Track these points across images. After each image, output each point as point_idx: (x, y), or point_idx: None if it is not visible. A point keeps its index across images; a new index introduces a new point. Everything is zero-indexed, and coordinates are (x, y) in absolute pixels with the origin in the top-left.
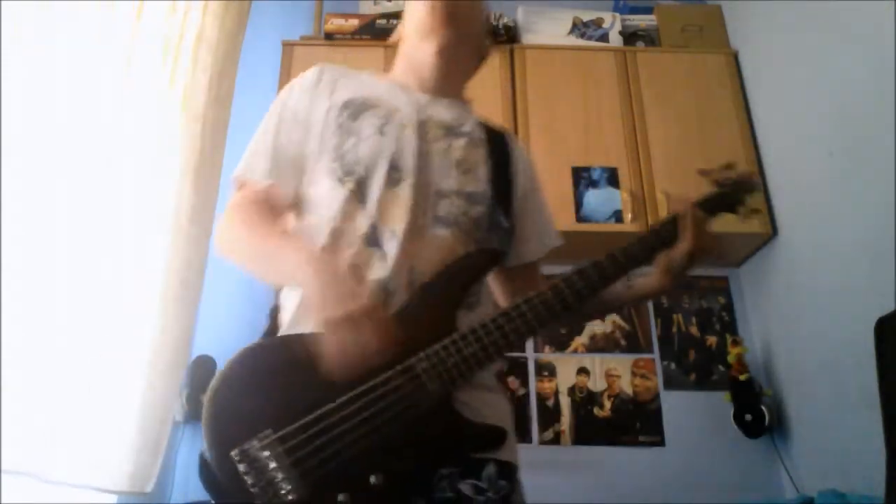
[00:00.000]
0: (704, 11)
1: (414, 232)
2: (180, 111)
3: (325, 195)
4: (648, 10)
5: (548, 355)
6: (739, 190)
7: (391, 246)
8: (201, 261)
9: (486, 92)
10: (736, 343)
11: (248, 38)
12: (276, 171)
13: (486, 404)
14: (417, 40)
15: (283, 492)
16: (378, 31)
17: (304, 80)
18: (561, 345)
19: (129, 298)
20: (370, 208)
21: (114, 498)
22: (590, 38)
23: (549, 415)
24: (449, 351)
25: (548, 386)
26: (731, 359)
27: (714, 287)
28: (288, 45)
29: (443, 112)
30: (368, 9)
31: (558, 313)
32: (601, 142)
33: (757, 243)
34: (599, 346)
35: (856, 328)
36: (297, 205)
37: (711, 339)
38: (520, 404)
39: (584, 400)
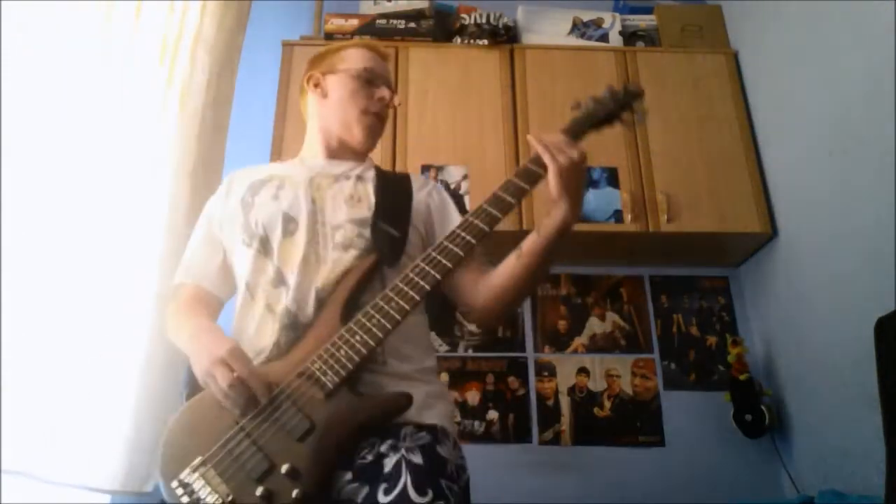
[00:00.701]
0: (704, 11)
1: (315, 263)
2: (179, 111)
3: (240, 260)
4: (648, 10)
5: (548, 355)
6: (612, 101)
7: (291, 279)
8: None
9: (487, 92)
10: (736, 343)
11: (248, 39)
12: (207, 258)
13: (401, 387)
14: (341, 112)
15: (209, 502)
16: (378, 31)
17: (218, 192)
18: (561, 345)
19: (126, 298)
20: (274, 258)
21: (108, 498)
22: (590, 38)
23: (549, 415)
24: (337, 345)
25: (548, 386)
26: (731, 359)
27: (714, 287)
28: (288, 45)
29: (334, 167)
30: (368, 9)
31: (435, 280)
32: (601, 142)
33: (757, 243)
34: (599, 346)
35: (856, 328)
36: (226, 279)
37: (711, 339)
38: (520, 404)
39: (584, 400)
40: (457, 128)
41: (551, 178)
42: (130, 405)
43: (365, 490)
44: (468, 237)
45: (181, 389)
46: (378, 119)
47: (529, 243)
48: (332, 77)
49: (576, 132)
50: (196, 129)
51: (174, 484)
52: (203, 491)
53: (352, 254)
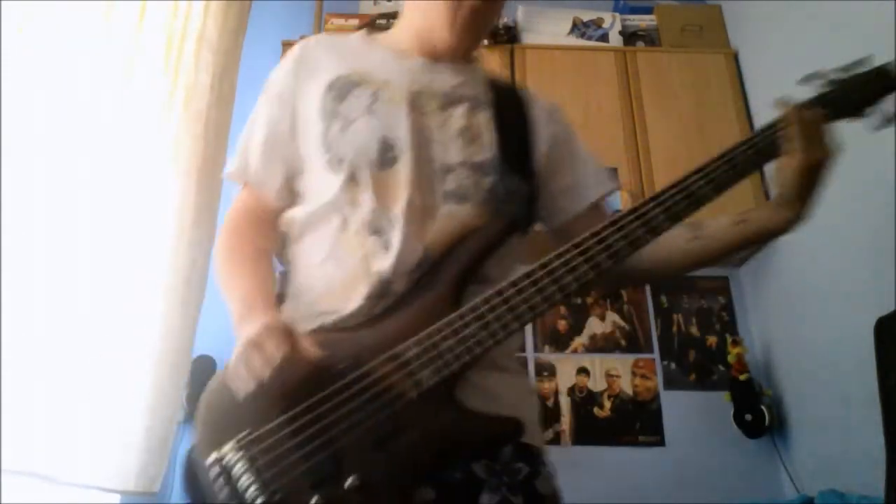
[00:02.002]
0: (704, 11)
1: (422, 213)
2: (183, 111)
3: (320, 186)
4: (648, 10)
5: (548, 355)
6: (873, 82)
7: (393, 233)
8: (205, 260)
9: None
10: (736, 343)
11: (249, 38)
12: (269, 167)
13: (500, 387)
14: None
15: (250, 495)
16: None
17: (286, 62)
18: (561, 345)
19: (132, 298)
20: (366, 194)
21: (118, 497)
22: (590, 38)
23: (549, 415)
24: (444, 333)
25: (548, 386)
26: (731, 359)
27: (714, 287)
28: (288, 45)
29: (442, 78)
30: (368, 9)
31: (586, 278)
32: (601, 142)
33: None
34: (599, 346)
35: (856, 328)
36: (294, 196)
37: (711, 339)
38: None
39: (584, 400)
40: None
41: (793, 172)
42: (140, 405)
43: None
44: (648, 223)
45: (181, 390)
46: (474, 12)
47: (719, 228)
48: None
49: (831, 108)
50: (200, 129)
51: (212, 457)
52: (244, 478)
53: (468, 208)
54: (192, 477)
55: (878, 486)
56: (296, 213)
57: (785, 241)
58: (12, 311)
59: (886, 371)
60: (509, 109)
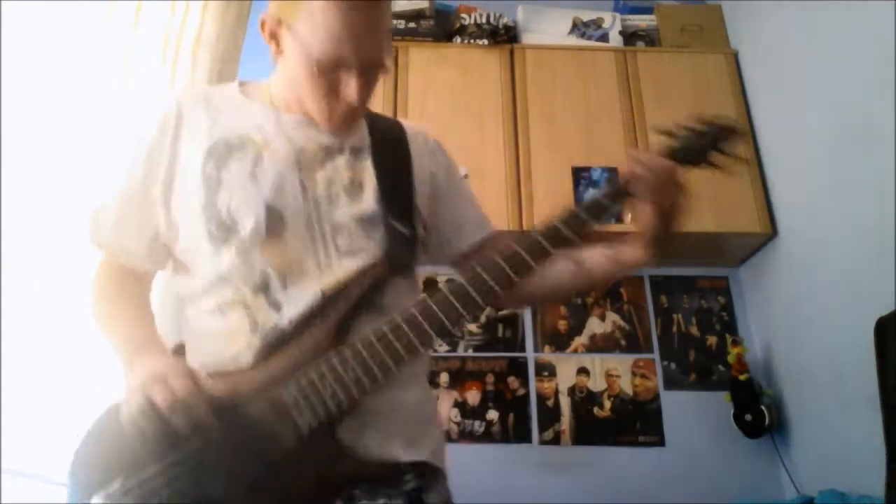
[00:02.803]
0: (704, 11)
1: (316, 273)
2: None
3: (204, 257)
4: (648, 10)
5: (548, 355)
6: (711, 134)
7: (285, 295)
8: None
9: (487, 92)
10: (736, 343)
11: (248, 38)
12: (129, 232)
13: (393, 414)
14: (301, 93)
15: None
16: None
17: (161, 118)
18: (561, 345)
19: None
20: (255, 259)
21: None
22: (590, 38)
23: (549, 415)
24: (323, 375)
25: (548, 386)
26: (731, 359)
27: (714, 287)
28: None
29: (322, 132)
30: None
31: (460, 321)
32: (601, 142)
33: (757, 243)
34: (599, 346)
35: (856, 328)
36: (164, 258)
37: (711, 339)
38: (520, 404)
39: (584, 400)
40: (457, 128)
41: (648, 218)
42: None
43: None
44: (508, 271)
45: None
46: (347, 119)
47: (595, 262)
48: (288, 36)
49: (679, 157)
50: None
51: (95, 500)
52: None
53: (362, 259)
54: None
55: (878, 486)
56: (180, 286)
57: (785, 241)
58: (12, 311)
59: (886, 371)
60: (390, 152)
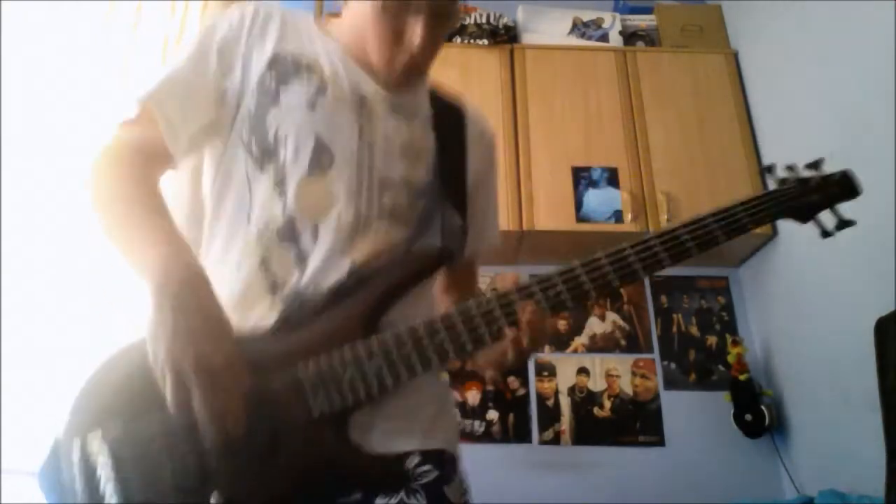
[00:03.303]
0: (704, 11)
1: (351, 227)
2: None
3: (239, 174)
4: (648, 10)
5: (548, 355)
6: (825, 189)
7: (312, 246)
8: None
9: (487, 92)
10: (736, 343)
11: None
12: (187, 107)
13: (409, 400)
14: (364, 38)
15: (107, 493)
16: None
17: (239, 15)
18: (561, 345)
19: (129, 298)
20: (288, 198)
21: None
22: (590, 38)
23: (549, 415)
24: (344, 362)
25: (548, 386)
26: (731, 359)
27: (714, 287)
28: None
29: (387, 89)
30: None
31: (500, 335)
32: (601, 142)
33: (757, 243)
34: (599, 346)
35: (856, 328)
36: (196, 156)
37: (711, 339)
38: (520, 404)
39: (584, 400)
40: None
41: (507, 350)
42: None
43: None
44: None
45: None
46: (409, 68)
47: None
48: None
49: (767, 211)
50: None
51: (75, 445)
52: (104, 473)
53: (400, 229)
54: (53, 461)
55: (878, 486)
56: (208, 213)
57: (785, 241)
58: (12, 311)
59: (886, 371)
60: (450, 130)
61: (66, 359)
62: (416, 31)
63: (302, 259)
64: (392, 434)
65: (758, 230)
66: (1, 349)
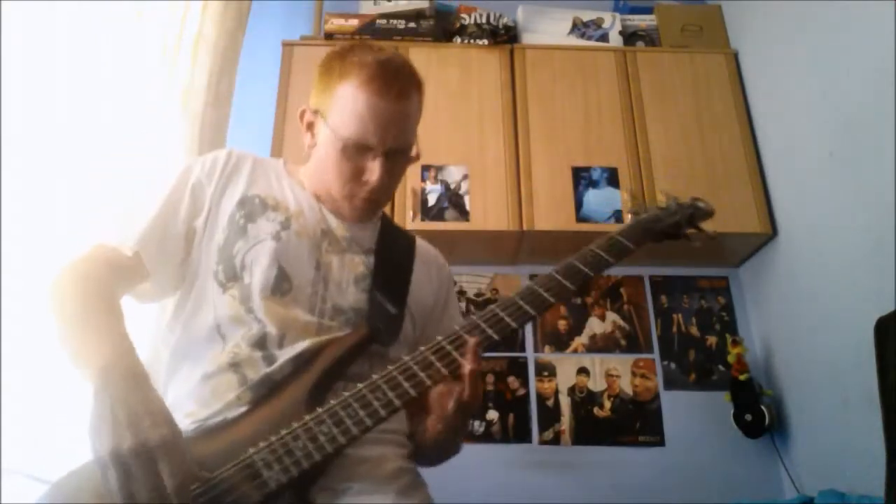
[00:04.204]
0: (704, 11)
1: (317, 331)
2: (180, 111)
3: (206, 299)
4: (648, 10)
5: (548, 355)
6: (679, 213)
7: (280, 350)
8: None
9: (487, 92)
10: (736, 343)
11: (248, 38)
12: (152, 243)
13: (366, 451)
14: (327, 181)
15: None
16: (378, 31)
17: (213, 161)
18: (561, 345)
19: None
20: (257, 314)
21: None
22: (590, 38)
23: (549, 415)
24: (295, 433)
25: (548, 386)
26: (731, 359)
27: (714, 287)
28: (288, 45)
29: (345, 227)
30: (368, 9)
31: (435, 378)
32: (601, 142)
33: (757, 243)
34: (599, 346)
35: (856, 328)
36: (161, 287)
37: (711, 339)
38: (520, 404)
39: (584, 400)
40: (457, 128)
41: (452, 404)
42: None
43: None
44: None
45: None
46: (369, 203)
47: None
48: (321, 123)
49: (637, 237)
50: (197, 129)
51: None
52: None
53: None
54: None
55: (878, 486)
56: (177, 336)
57: (785, 241)
58: (12, 311)
59: (886, 371)
60: (396, 252)
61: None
62: (373, 170)
63: (270, 360)
64: (364, 494)
65: (758, 230)
66: (1, 349)
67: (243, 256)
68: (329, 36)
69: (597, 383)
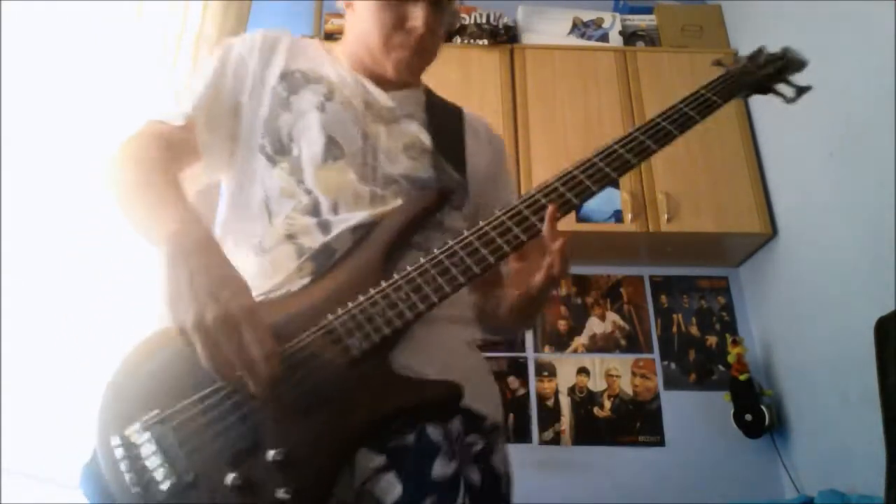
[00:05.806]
0: (704, 11)
1: (371, 200)
2: None
3: (254, 172)
4: (648, 10)
5: (548, 355)
6: (773, 64)
7: (335, 215)
8: None
9: (487, 92)
10: (736, 343)
11: None
12: (202, 112)
13: (443, 344)
14: (364, 37)
15: (157, 477)
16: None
17: (252, 39)
18: (561, 345)
19: (130, 297)
20: (307, 183)
21: None
22: (590, 38)
23: (549, 415)
24: (374, 300)
25: (548, 386)
26: (731, 359)
27: (714, 287)
28: None
29: (388, 97)
30: None
31: (517, 241)
32: (601, 142)
33: (757, 243)
34: (599, 346)
35: (856, 328)
36: (213, 160)
37: (711, 339)
38: (520, 404)
39: (584, 400)
40: None
41: (542, 278)
42: None
43: (397, 490)
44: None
45: None
46: (413, 53)
47: (512, 302)
48: None
49: (725, 92)
50: None
51: (115, 440)
52: (152, 459)
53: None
54: (94, 470)
55: (878, 487)
56: (228, 215)
57: (785, 241)
58: (12, 311)
59: (886, 371)
60: (446, 122)
61: (65, 359)
62: (417, 15)
63: (326, 227)
64: (432, 363)
65: (758, 230)
66: (1, 349)
67: (290, 129)
68: (329, 36)
69: (597, 383)
